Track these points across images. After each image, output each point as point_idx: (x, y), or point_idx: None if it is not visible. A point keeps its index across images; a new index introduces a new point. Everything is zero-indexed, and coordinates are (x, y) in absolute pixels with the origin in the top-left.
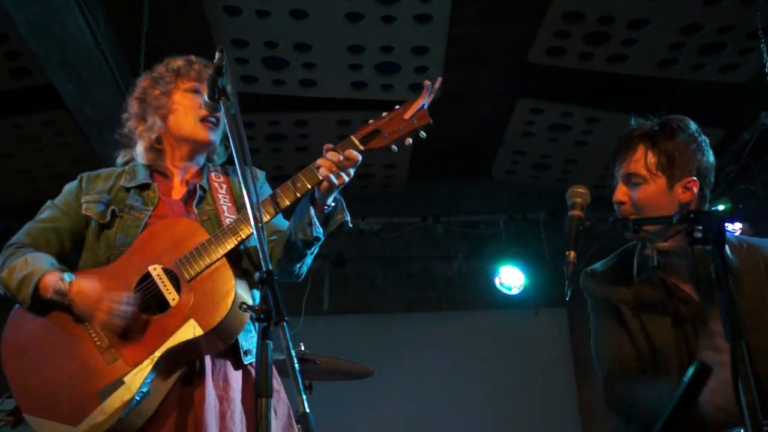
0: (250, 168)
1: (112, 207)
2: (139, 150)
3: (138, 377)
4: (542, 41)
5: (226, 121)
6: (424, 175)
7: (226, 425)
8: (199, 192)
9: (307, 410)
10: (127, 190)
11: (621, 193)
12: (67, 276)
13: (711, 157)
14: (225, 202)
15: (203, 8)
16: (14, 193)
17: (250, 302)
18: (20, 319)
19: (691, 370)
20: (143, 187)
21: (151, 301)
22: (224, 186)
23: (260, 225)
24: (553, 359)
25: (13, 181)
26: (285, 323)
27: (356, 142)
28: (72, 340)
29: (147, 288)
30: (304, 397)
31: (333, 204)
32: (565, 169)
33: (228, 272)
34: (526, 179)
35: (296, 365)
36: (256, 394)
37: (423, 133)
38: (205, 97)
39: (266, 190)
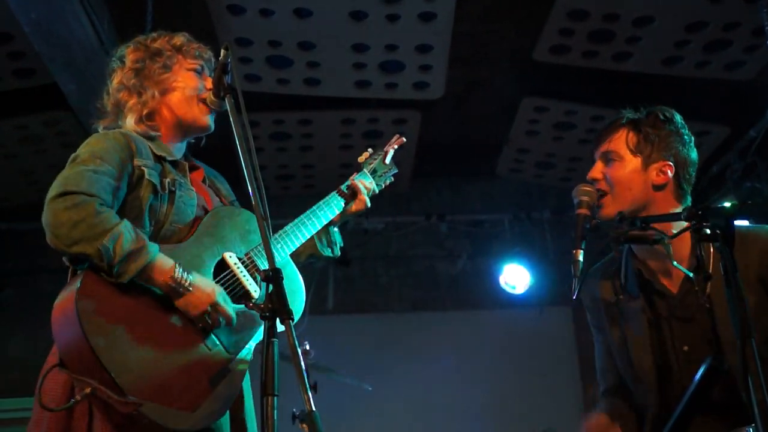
0: (255, 167)
1: (167, 179)
2: (129, 123)
3: (242, 366)
4: (546, 39)
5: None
6: (428, 174)
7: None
8: (208, 180)
9: (313, 409)
10: (165, 161)
11: (596, 170)
12: (179, 269)
13: (693, 154)
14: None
15: (207, 7)
16: (17, 194)
17: None
18: (104, 291)
19: (701, 370)
20: (174, 164)
21: (232, 289)
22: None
23: (266, 222)
24: (557, 358)
25: (16, 182)
26: (290, 322)
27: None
28: (171, 321)
29: (228, 277)
30: (310, 395)
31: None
32: (570, 167)
33: (296, 270)
34: (531, 178)
35: (302, 364)
36: (262, 392)
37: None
38: (211, 94)
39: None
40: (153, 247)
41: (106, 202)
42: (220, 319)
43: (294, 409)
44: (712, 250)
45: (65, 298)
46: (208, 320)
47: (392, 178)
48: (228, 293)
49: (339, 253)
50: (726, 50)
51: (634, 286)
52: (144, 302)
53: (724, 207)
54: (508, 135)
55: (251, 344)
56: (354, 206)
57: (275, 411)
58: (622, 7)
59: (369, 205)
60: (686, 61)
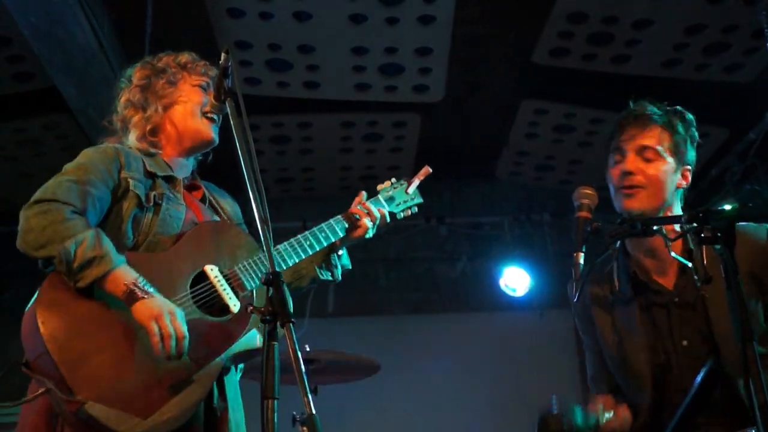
0: (255, 170)
1: (153, 192)
2: (132, 139)
3: (207, 377)
4: (546, 42)
5: (231, 122)
6: (427, 177)
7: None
8: (209, 199)
9: (313, 412)
10: (157, 176)
11: (631, 162)
12: (141, 280)
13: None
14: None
15: (207, 11)
16: (17, 197)
17: None
18: (65, 293)
19: (702, 372)
20: (168, 179)
21: (208, 301)
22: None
23: (267, 226)
24: (558, 361)
25: (16, 185)
26: (291, 324)
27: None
28: (131, 328)
29: (205, 289)
30: (310, 398)
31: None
32: (570, 170)
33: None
34: (531, 180)
35: (302, 367)
36: (262, 395)
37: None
38: (212, 99)
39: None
40: (118, 258)
41: (80, 210)
42: (170, 330)
43: (294, 412)
44: (704, 250)
45: (32, 302)
46: (157, 330)
47: (416, 209)
48: (202, 305)
49: (340, 278)
50: (725, 53)
51: (628, 287)
52: (106, 308)
53: (725, 210)
54: (507, 138)
55: (222, 358)
56: (355, 232)
57: (275, 414)
58: (621, 9)
59: (371, 232)
60: (685, 63)
